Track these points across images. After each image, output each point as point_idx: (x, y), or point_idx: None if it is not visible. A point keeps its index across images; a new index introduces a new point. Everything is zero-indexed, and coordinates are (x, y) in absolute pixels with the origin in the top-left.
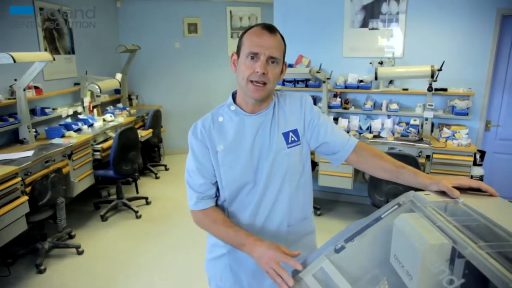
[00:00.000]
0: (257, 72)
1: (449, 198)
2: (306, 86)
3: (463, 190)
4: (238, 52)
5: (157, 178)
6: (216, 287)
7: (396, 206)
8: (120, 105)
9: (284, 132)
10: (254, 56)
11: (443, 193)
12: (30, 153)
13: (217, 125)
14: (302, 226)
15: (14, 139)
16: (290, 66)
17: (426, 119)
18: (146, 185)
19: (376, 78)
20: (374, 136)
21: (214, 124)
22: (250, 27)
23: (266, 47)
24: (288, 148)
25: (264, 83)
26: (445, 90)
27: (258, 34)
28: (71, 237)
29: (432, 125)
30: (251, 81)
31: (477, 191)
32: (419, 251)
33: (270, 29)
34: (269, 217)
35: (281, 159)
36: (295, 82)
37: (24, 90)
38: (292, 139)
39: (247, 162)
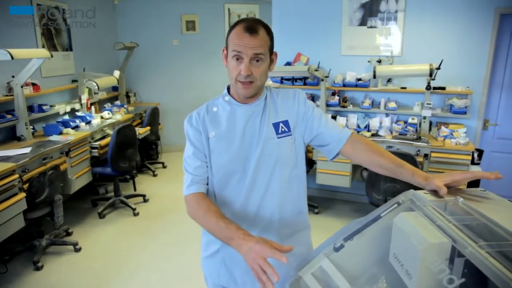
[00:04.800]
0: (242, 74)
1: (449, 197)
2: (304, 84)
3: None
4: (227, 49)
5: (154, 175)
6: (214, 285)
7: (396, 205)
8: (117, 102)
9: (274, 123)
10: (238, 57)
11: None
12: (27, 150)
13: (211, 114)
14: (295, 220)
15: (11, 136)
16: (289, 64)
17: (424, 117)
18: (144, 183)
19: (374, 77)
20: (372, 135)
21: (208, 113)
22: (236, 24)
23: (248, 49)
24: (278, 138)
25: (251, 81)
26: (443, 88)
27: (240, 36)
28: (68, 234)
29: (430, 123)
30: (239, 81)
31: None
32: (419, 250)
33: (251, 30)
34: (260, 208)
35: (270, 148)
36: (293, 80)
37: (22, 87)
38: (283, 129)
39: (237, 150)
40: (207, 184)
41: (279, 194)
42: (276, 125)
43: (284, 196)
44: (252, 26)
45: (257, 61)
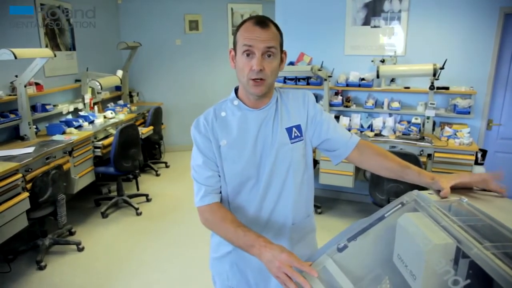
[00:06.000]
0: (254, 69)
1: (453, 197)
2: (308, 84)
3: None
4: (235, 48)
5: (157, 175)
6: (223, 286)
7: (400, 205)
8: (121, 102)
9: (288, 127)
10: (249, 53)
11: None
12: (31, 149)
13: (219, 120)
14: (305, 224)
15: (15, 136)
16: (292, 63)
17: (428, 117)
18: (147, 182)
19: (377, 76)
20: (376, 135)
21: (217, 119)
22: (244, 21)
23: (260, 42)
24: (292, 143)
25: (262, 79)
26: (447, 88)
27: (250, 30)
28: (71, 233)
29: (434, 123)
30: (250, 79)
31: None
32: (423, 251)
33: (261, 23)
34: (273, 214)
35: (284, 154)
36: (296, 80)
37: (25, 86)
38: (295, 134)
39: (249, 157)
40: (220, 193)
41: (292, 199)
42: (289, 130)
43: (297, 201)
44: (263, 20)
45: (269, 56)
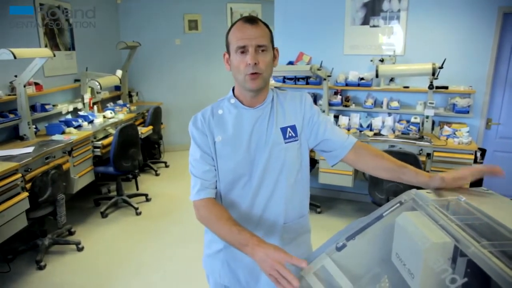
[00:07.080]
0: (249, 63)
1: (451, 197)
2: (307, 83)
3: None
4: (228, 50)
5: (157, 175)
6: (215, 283)
7: (398, 205)
8: (120, 101)
9: (282, 127)
10: (243, 50)
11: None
12: (30, 149)
13: (216, 117)
14: (298, 224)
15: (14, 136)
16: (291, 63)
17: (427, 117)
18: (146, 182)
19: (377, 76)
20: (375, 134)
21: (214, 116)
22: (233, 24)
23: (252, 38)
24: (286, 143)
25: (258, 73)
26: (446, 88)
27: (241, 28)
28: (71, 233)
29: (433, 123)
30: (247, 74)
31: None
32: (421, 250)
33: (251, 21)
34: (265, 212)
35: (277, 154)
36: (295, 79)
37: (25, 86)
38: (290, 134)
39: (243, 155)
40: (215, 188)
41: (284, 198)
42: (284, 130)
43: (289, 200)
44: (252, 18)
45: (262, 51)
